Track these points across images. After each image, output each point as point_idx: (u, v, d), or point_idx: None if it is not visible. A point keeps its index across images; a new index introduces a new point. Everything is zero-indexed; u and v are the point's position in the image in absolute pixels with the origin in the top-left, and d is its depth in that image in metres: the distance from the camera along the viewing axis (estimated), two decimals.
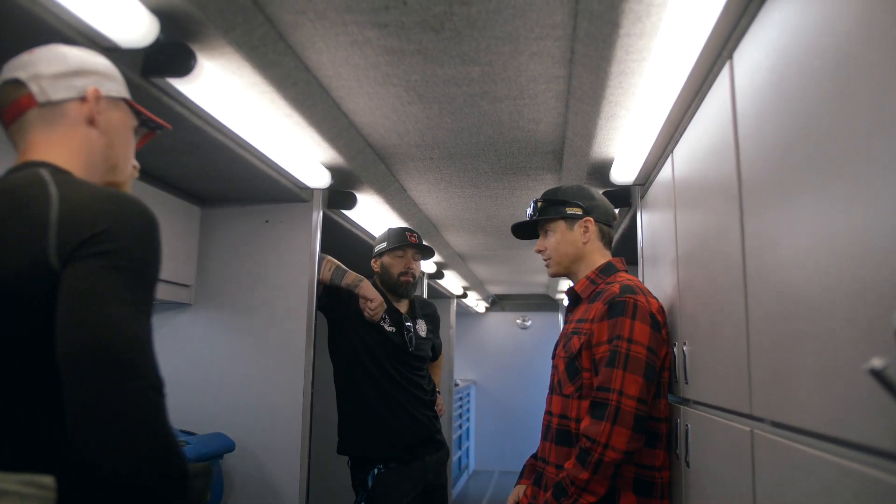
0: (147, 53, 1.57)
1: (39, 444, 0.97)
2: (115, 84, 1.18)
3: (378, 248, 2.84)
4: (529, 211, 2.06)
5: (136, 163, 1.24)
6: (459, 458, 7.26)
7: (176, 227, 2.66)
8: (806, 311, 1.00)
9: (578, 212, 1.98)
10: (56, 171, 1.06)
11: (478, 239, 4.57)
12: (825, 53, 0.93)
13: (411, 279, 2.78)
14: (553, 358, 1.98)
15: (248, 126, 2.04)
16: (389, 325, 2.74)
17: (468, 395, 8.24)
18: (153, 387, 0.94)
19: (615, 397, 1.68)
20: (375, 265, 2.85)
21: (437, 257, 4.87)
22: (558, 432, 1.83)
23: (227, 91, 1.82)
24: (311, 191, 2.77)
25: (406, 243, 2.77)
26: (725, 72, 1.39)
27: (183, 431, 2.48)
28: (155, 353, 0.97)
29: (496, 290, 8.14)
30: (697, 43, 1.41)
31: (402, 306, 2.85)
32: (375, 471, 2.59)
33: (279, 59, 1.79)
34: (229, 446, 2.54)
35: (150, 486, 0.92)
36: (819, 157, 0.95)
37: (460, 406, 7.35)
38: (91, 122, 1.12)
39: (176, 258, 2.66)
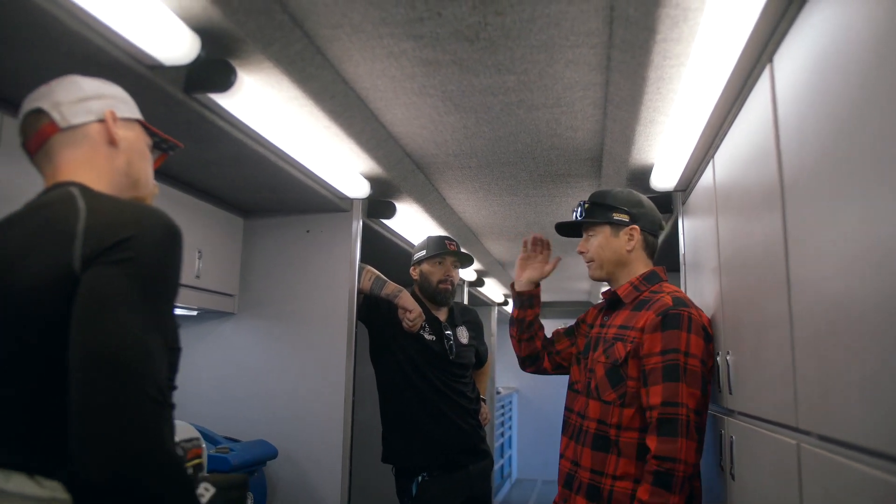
0: (189, 70, 1.61)
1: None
2: (128, 106, 1.22)
3: (417, 256, 2.84)
4: (577, 212, 2.04)
5: (154, 182, 1.28)
6: (502, 467, 7.22)
7: (220, 238, 2.71)
8: (851, 321, 0.97)
9: (625, 219, 1.95)
10: (84, 188, 1.10)
11: (518, 246, 4.54)
12: (867, 55, 0.91)
13: (450, 287, 2.78)
14: (584, 359, 1.95)
15: (289, 138, 2.08)
16: (429, 334, 2.74)
17: (510, 403, 8.20)
18: (152, 397, 0.93)
19: (684, 412, 1.66)
20: (414, 273, 2.86)
21: (477, 265, 4.87)
22: (595, 437, 1.82)
23: (267, 105, 1.86)
24: (350, 201, 2.80)
25: (445, 251, 2.77)
26: (766, 76, 1.36)
27: (227, 438, 2.52)
28: (163, 365, 0.98)
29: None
30: (736, 47, 1.38)
31: (442, 314, 2.85)
32: (420, 478, 2.60)
33: (317, 73, 1.82)
34: (272, 453, 2.58)
35: (134, 496, 0.90)
36: (863, 162, 0.93)
37: (502, 414, 7.32)
38: (111, 141, 1.17)
39: (220, 268, 2.71)
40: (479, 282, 5.24)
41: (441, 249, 2.77)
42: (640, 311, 1.82)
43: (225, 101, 1.73)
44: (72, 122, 1.14)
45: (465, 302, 5.04)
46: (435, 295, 2.78)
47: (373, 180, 2.69)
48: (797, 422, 1.22)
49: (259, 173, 2.32)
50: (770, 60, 1.34)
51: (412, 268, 2.86)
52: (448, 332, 2.77)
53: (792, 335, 1.24)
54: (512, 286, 2.29)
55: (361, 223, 2.86)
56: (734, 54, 1.41)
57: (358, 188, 2.66)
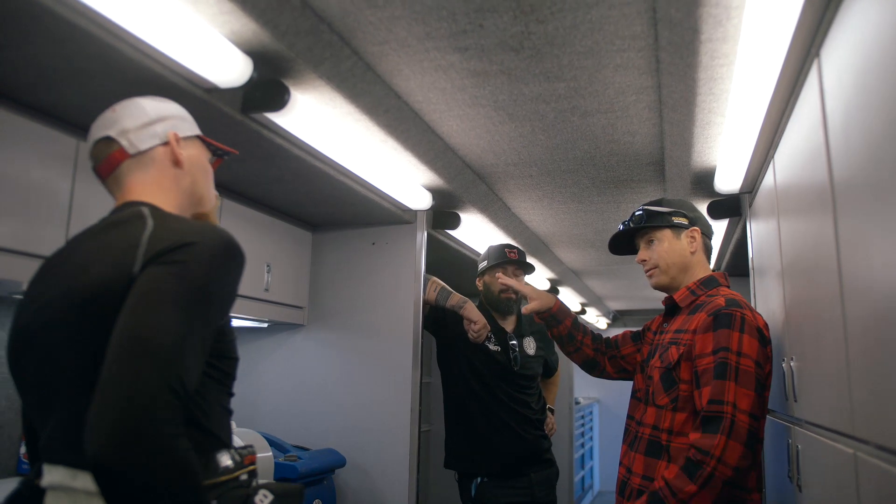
0: (245, 91, 1.69)
1: None
2: (188, 124, 1.28)
3: (480, 266, 2.86)
4: (630, 222, 2.01)
5: (216, 192, 1.35)
6: (582, 478, 7.10)
7: (289, 252, 2.81)
8: None
9: (685, 221, 1.93)
10: (154, 208, 1.17)
11: (589, 254, 4.50)
12: None
13: (513, 296, 2.77)
14: (646, 366, 1.91)
15: (347, 153, 2.14)
16: (494, 345, 2.74)
17: (591, 413, 8.06)
18: (171, 388, 0.95)
19: (730, 410, 1.60)
20: (479, 284, 2.87)
21: (549, 273, 4.84)
22: (649, 443, 1.78)
23: (323, 121, 1.92)
24: (414, 212, 2.85)
25: (505, 260, 2.77)
26: (814, 71, 1.32)
27: (296, 447, 2.59)
28: (195, 365, 1.01)
29: (616, 305, 7.94)
30: (783, 43, 1.34)
31: (509, 324, 2.84)
32: (478, 480, 2.61)
33: (369, 88, 1.87)
34: (340, 462, 2.64)
35: (125, 477, 0.91)
36: None
37: (582, 425, 7.21)
38: (176, 163, 1.24)
39: (289, 281, 2.80)
40: (553, 290, 5.20)
41: (501, 259, 2.77)
42: (695, 314, 1.78)
43: (281, 119, 1.80)
44: (140, 148, 1.21)
45: None
46: (498, 304, 2.79)
47: (435, 192, 2.73)
48: (853, 430, 1.17)
49: (322, 188, 2.40)
50: (818, 55, 1.29)
51: (477, 279, 2.88)
52: (514, 342, 2.77)
53: (846, 340, 1.19)
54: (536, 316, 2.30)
55: (426, 234, 2.90)
56: (781, 50, 1.37)
57: (420, 200, 2.70)
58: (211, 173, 1.32)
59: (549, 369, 3.00)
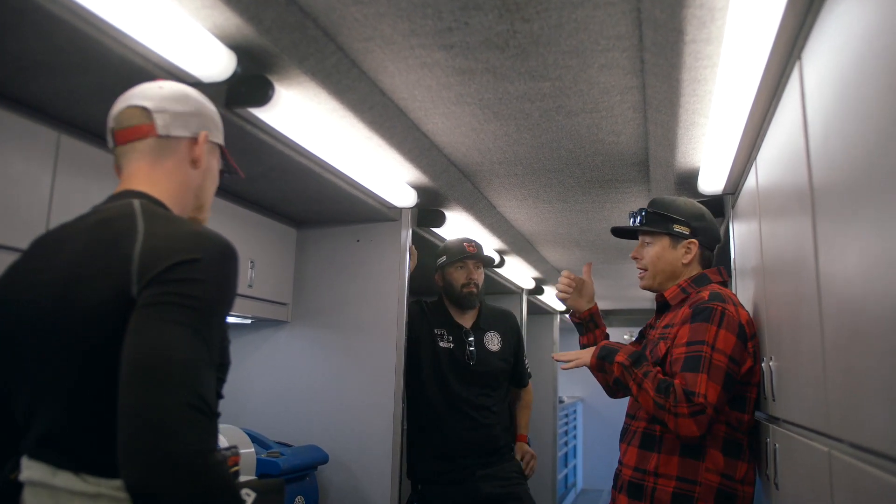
0: (229, 86, 1.68)
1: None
2: (218, 131, 1.27)
3: (438, 262, 2.85)
4: (637, 219, 2.01)
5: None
6: (566, 477, 7.14)
7: (273, 248, 2.80)
8: (874, 327, 0.94)
9: (686, 231, 1.93)
10: (148, 203, 1.13)
11: (574, 254, 4.52)
12: (891, 47, 0.87)
13: (475, 290, 2.77)
14: None
15: (332, 149, 2.13)
16: (447, 342, 2.74)
17: (574, 412, 8.10)
18: (193, 405, 0.95)
19: (702, 402, 1.64)
20: (439, 280, 2.85)
21: (534, 273, 4.85)
22: (643, 435, 1.81)
23: (307, 117, 1.91)
24: (399, 210, 2.84)
25: (464, 255, 2.76)
26: (795, 74, 1.33)
27: (279, 443, 2.59)
28: (210, 377, 1.01)
29: (600, 305, 7.89)
30: (765, 45, 1.35)
31: (468, 320, 2.82)
32: (419, 486, 2.69)
33: (354, 85, 1.87)
34: (323, 458, 2.63)
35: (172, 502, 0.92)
36: (887, 164, 0.88)
37: (566, 423, 7.24)
38: (195, 163, 1.21)
39: (273, 278, 2.79)
40: (537, 290, 5.21)
41: (460, 254, 2.77)
42: (682, 309, 1.81)
43: (265, 114, 1.79)
44: (171, 133, 1.18)
45: (524, 310, 5.01)
46: (461, 299, 2.78)
47: (420, 189, 2.73)
48: (828, 428, 1.18)
49: (306, 184, 2.39)
50: (800, 57, 1.30)
51: (436, 275, 2.87)
52: (471, 338, 2.76)
53: (823, 341, 1.20)
54: (571, 316, 2.25)
55: (410, 232, 2.90)
56: (763, 53, 1.38)
57: (405, 197, 2.70)
58: (216, 186, 1.30)
59: (519, 375, 2.91)
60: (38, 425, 1.09)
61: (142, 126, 1.17)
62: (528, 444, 2.94)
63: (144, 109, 1.17)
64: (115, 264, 1.04)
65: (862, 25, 0.96)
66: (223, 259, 1.07)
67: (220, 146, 1.28)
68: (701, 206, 2.01)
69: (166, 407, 0.94)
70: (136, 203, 1.11)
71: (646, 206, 2.00)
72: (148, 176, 1.17)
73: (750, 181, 1.97)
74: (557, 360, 2.00)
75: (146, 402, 0.94)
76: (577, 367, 1.93)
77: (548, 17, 1.56)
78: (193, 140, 1.20)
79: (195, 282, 1.02)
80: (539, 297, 5.38)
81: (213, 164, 1.26)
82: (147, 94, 1.18)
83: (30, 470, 1.08)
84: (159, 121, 1.17)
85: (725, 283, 1.92)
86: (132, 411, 0.94)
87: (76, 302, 1.05)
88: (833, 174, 1.12)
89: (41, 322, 1.08)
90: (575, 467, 8.04)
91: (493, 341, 2.81)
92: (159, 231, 1.07)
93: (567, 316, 2.25)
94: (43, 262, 1.12)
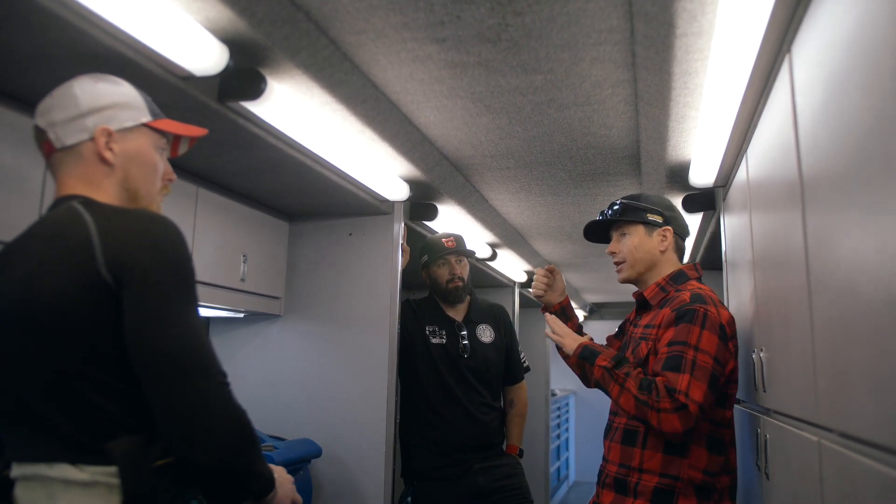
0: (221, 79, 1.68)
1: (108, 438, 1.06)
2: (131, 112, 1.20)
3: (422, 260, 2.86)
4: (607, 213, 2.03)
5: (171, 174, 1.29)
6: (558, 469, 7.17)
7: (266, 242, 2.80)
8: (862, 318, 0.95)
9: (659, 220, 1.95)
10: (86, 200, 1.14)
11: (566, 247, 4.53)
12: (881, 43, 0.88)
13: (460, 283, 2.78)
14: None
15: (324, 143, 2.13)
16: (439, 338, 2.75)
17: (567, 405, 8.13)
18: (221, 382, 1.10)
19: (682, 398, 1.64)
20: (425, 277, 2.87)
21: (526, 266, 4.86)
22: (624, 432, 1.82)
23: (300, 111, 1.91)
24: (391, 203, 2.84)
25: (446, 251, 2.78)
26: (786, 67, 1.34)
27: (272, 437, 2.59)
28: (213, 349, 1.12)
29: (593, 298, 8.00)
30: (755, 38, 1.36)
31: (458, 313, 2.83)
32: (414, 482, 2.69)
33: (346, 78, 1.86)
34: (316, 452, 2.64)
35: (236, 466, 1.10)
36: (874, 158, 0.89)
37: (558, 416, 7.27)
38: (102, 160, 1.17)
39: (266, 271, 2.79)
40: (530, 283, 5.22)
41: (440, 251, 2.79)
42: (663, 310, 1.82)
43: (258, 108, 1.79)
44: (65, 143, 1.16)
45: (517, 304, 5.02)
46: (447, 294, 2.79)
47: (412, 183, 2.73)
48: (818, 418, 1.20)
49: (299, 178, 2.39)
50: (790, 51, 1.31)
51: (423, 272, 2.88)
52: (463, 332, 2.77)
53: (812, 332, 1.21)
54: (543, 310, 2.27)
55: (403, 225, 2.90)
56: (754, 46, 1.39)
57: (397, 191, 2.70)
58: (156, 164, 1.24)
59: (512, 368, 2.90)
60: (21, 432, 1.10)
61: (44, 144, 1.19)
62: (521, 454, 2.84)
63: (38, 128, 1.19)
64: (74, 252, 1.07)
65: (851, 19, 0.97)
66: (174, 243, 1.12)
67: (146, 125, 1.22)
68: (669, 199, 2.05)
69: (208, 392, 1.08)
70: (74, 203, 1.13)
71: (614, 203, 2.02)
72: (72, 183, 1.18)
73: (741, 174, 1.99)
74: (549, 325, 2.01)
75: (190, 392, 1.07)
76: (555, 343, 1.95)
77: (539, 10, 1.56)
78: (94, 139, 1.17)
79: (168, 277, 1.09)
80: (531, 290, 5.39)
81: (136, 149, 1.20)
82: (40, 110, 1.19)
83: (21, 467, 1.08)
84: (51, 136, 1.17)
85: (700, 278, 1.93)
86: (182, 403, 1.06)
87: (43, 293, 1.06)
88: (822, 167, 1.13)
89: (5, 318, 1.09)
90: (567, 460, 8.07)
91: (486, 333, 2.83)
92: (109, 226, 1.09)
93: (539, 310, 2.27)
94: None
